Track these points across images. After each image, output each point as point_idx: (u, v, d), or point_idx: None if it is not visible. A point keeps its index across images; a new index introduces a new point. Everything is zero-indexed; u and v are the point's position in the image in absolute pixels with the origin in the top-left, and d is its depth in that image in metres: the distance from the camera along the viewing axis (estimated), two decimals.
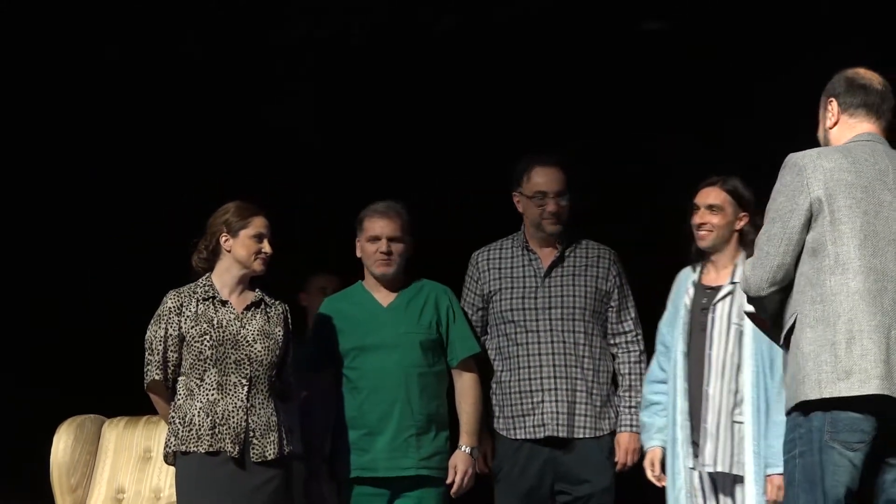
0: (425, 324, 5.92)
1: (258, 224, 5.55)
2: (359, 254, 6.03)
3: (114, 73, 7.76)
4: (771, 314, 4.39)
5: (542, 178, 5.99)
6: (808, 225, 4.26)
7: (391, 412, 5.80)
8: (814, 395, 4.19)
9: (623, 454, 5.89)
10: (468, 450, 5.88)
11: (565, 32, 7.22)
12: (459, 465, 5.86)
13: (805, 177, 4.24)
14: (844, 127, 4.47)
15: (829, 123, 4.50)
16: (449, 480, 5.88)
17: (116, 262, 7.55)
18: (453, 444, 5.90)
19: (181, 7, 7.40)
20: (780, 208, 4.27)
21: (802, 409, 4.29)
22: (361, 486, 5.84)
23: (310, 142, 7.81)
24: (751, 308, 4.43)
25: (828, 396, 4.17)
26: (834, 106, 4.48)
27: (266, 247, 5.54)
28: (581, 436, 5.91)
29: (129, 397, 6.39)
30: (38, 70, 7.72)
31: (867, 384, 4.16)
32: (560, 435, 5.89)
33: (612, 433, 5.97)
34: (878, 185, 4.27)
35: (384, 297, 5.98)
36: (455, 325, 5.99)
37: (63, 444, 6.54)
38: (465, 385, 5.93)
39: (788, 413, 4.39)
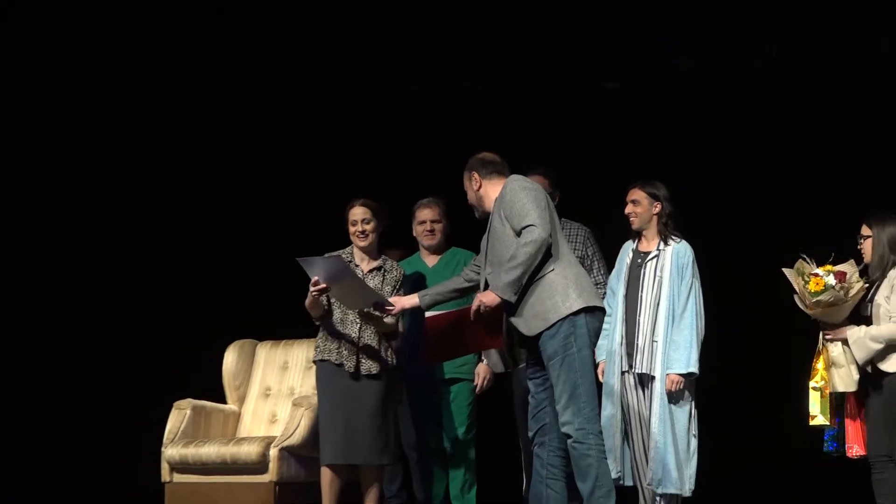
0: None
1: (353, 213, 6.94)
2: (414, 234, 7.40)
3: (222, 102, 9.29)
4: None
5: None
6: None
7: None
8: (576, 306, 5.83)
9: (481, 378, 7.24)
10: (486, 362, 7.20)
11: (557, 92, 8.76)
12: (481, 373, 7.21)
13: (546, 195, 6.00)
14: (489, 186, 6.11)
15: (475, 188, 6.14)
16: (475, 384, 7.22)
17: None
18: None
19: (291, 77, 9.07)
20: (544, 210, 5.87)
21: (569, 319, 5.84)
22: (418, 385, 7.26)
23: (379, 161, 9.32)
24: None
25: (584, 306, 5.83)
26: (476, 177, 6.15)
27: (359, 227, 6.90)
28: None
29: (273, 328, 8.10)
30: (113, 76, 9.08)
31: (597, 300, 5.95)
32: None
33: None
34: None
35: (430, 261, 7.36)
36: None
37: (230, 358, 7.95)
38: None
39: (552, 325, 5.84)
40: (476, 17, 8.53)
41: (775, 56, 8.23)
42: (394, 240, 7.99)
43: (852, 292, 6.32)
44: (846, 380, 6.37)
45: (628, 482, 6.77)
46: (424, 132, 9.08)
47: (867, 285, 6.40)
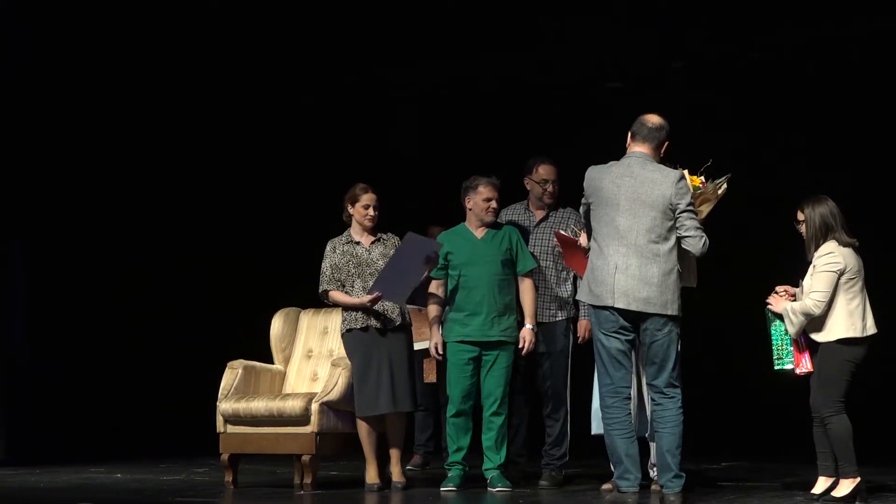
0: (503, 249, 7.49)
1: (365, 199, 7.29)
2: (470, 206, 7.51)
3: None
4: None
5: (544, 170, 7.75)
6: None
7: (483, 302, 7.43)
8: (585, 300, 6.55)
9: (582, 331, 7.64)
10: (531, 326, 7.48)
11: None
12: (526, 336, 7.45)
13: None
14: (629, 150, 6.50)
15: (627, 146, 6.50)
16: (520, 346, 7.43)
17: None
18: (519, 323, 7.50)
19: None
20: None
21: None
22: (462, 345, 7.48)
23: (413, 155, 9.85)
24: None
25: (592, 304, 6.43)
26: (629, 137, 6.53)
27: (370, 212, 7.25)
28: (548, 321, 7.69)
29: (313, 302, 8.09)
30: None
31: (606, 300, 6.36)
32: (540, 320, 7.62)
33: (568, 319, 7.66)
34: (613, 187, 6.41)
35: (479, 233, 7.54)
36: (520, 251, 7.54)
37: (277, 323, 8.20)
38: (526, 287, 7.51)
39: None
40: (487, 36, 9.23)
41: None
42: (435, 218, 8.75)
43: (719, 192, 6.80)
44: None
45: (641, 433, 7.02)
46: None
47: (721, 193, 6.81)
